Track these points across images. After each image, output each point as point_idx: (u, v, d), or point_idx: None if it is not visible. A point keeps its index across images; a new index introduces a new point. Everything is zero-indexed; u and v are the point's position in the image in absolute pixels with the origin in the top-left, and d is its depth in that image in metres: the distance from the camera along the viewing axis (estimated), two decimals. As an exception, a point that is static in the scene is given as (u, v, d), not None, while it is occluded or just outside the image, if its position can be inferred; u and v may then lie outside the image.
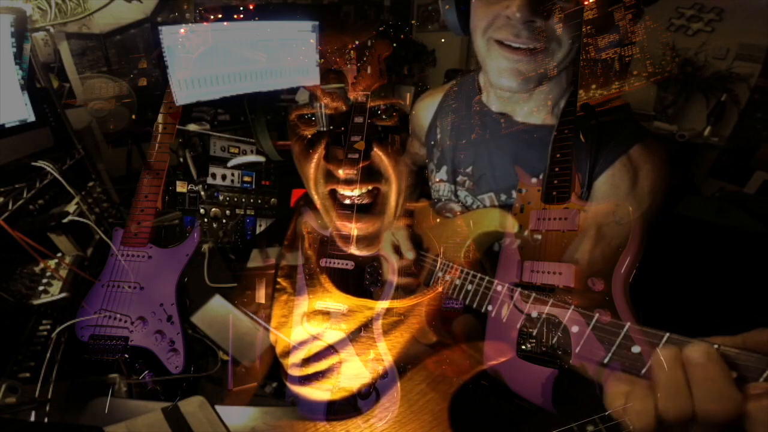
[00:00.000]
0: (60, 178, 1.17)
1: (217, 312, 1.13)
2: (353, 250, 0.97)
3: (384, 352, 0.83)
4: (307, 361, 0.88)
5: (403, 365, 0.81)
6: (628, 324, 0.51)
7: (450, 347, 0.84)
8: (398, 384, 0.78)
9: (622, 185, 0.71)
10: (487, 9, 0.71)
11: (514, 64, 0.71)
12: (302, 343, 0.91)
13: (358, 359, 0.85)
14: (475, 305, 0.76)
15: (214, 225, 1.57)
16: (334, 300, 0.93)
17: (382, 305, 0.88)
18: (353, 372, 0.85)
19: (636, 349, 0.49)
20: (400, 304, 0.87)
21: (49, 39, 1.64)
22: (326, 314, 0.92)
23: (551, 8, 0.65)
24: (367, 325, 0.87)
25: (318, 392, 0.84)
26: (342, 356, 0.86)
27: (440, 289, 0.83)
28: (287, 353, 0.92)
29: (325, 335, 0.90)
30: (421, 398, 0.74)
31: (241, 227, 1.64)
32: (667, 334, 0.46)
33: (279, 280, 1.03)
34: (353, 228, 0.96)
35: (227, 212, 1.60)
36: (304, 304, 0.95)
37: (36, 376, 0.97)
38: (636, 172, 0.71)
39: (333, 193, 1.02)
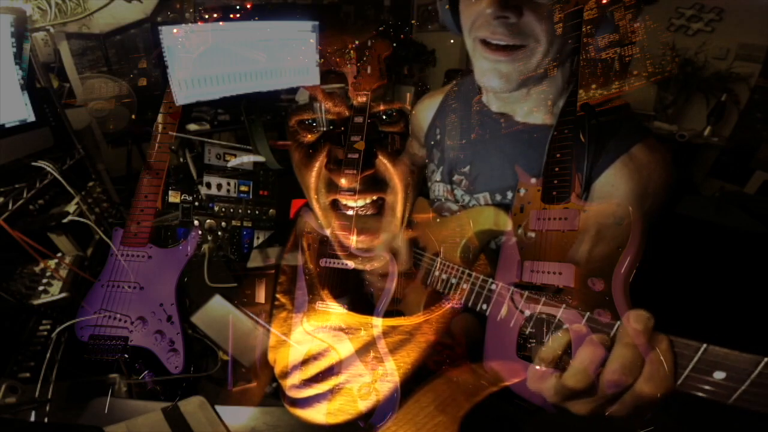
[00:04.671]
0: (60, 178, 1.17)
1: (217, 312, 1.13)
2: (357, 264, 0.95)
3: (391, 371, 0.81)
4: (306, 383, 0.87)
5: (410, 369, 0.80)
6: (618, 323, 0.51)
7: (451, 349, 0.84)
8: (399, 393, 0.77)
9: (623, 185, 0.71)
10: (470, 9, 0.72)
11: (495, 64, 0.72)
12: (302, 363, 0.90)
13: (362, 380, 0.84)
14: (470, 304, 0.76)
15: (209, 237, 1.48)
16: (336, 315, 0.92)
17: (386, 322, 0.86)
18: (356, 392, 0.83)
19: None
20: (407, 321, 0.85)
21: (49, 39, 1.64)
22: (327, 328, 0.91)
23: (521, 3, 0.66)
24: (371, 344, 0.86)
25: (318, 415, 0.83)
26: (345, 377, 0.85)
27: (448, 306, 0.82)
28: (286, 374, 0.90)
29: (328, 353, 0.88)
30: (429, 422, 0.72)
31: (237, 240, 1.56)
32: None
33: (278, 296, 1.01)
34: (354, 240, 0.94)
35: (223, 224, 1.52)
36: (304, 320, 0.93)
37: (36, 376, 0.97)
38: (638, 171, 0.71)
39: (335, 204, 0.99)
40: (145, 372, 1.10)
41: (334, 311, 0.93)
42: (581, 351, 0.49)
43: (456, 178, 0.93)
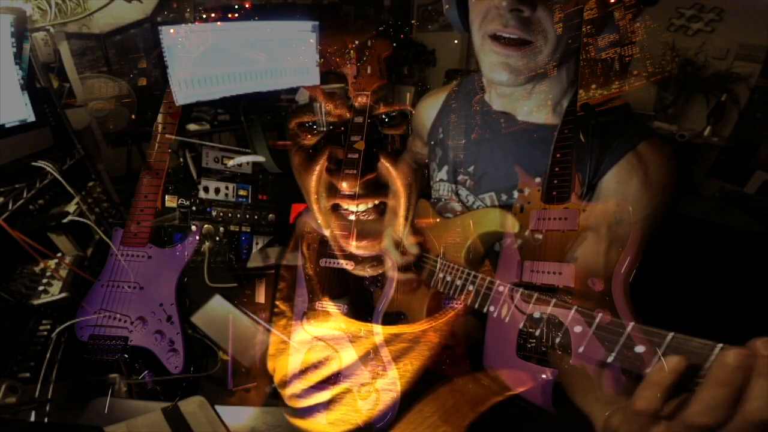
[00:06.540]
0: (60, 178, 1.17)
1: (217, 312, 1.13)
2: (357, 270, 0.95)
3: (393, 378, 0.81)
4: (307, 392, 0.86)
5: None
6: (632, 324, 0.51)
7: (452, 349, 0.84)
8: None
9: (632, 181, 0.71)
10: (481, 4, 0.74)
11: (504, 58, 0.73)
12: (302, 371, 0.89)
13: (364, 390, 0.83)
14: (476, 306, 0.76)
15: (207, 243, 1.44)
16: (336, 319, 0.91)
17: (389, 330, 0.86)
18: (356, 392, 0.83)
19: (639, 349, 0.49)
20: (410, 329, 0.85)
21: (49, 39, 1.64)
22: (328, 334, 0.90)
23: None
24: (374, 351, 0.85)
25: (319, 425, 0.82)
26: (346, 385, 0.84)
27: (452, 314, 0.82)
28: (285, 383, 0.89)
29: (328, 361, 0.88)
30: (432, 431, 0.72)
31: (236, 245, 1.53)
32: (672, 334, 0.46)
33: (277, 302, 1.01)
34: (353, 245, 0.93)
35: (221, 229, 1.49)
36: (304, 323, 0.92)
37: (36, 376, 0.97)
38: (645, 168, 0.71)
39: (336, 208, 0.98)
40: (145, 372, 1.10)
41: (334, 312, 0.93)
42: (708, 389, 0.41)
43: (461, 177, 0.93)
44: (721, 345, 0.42)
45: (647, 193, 0.71)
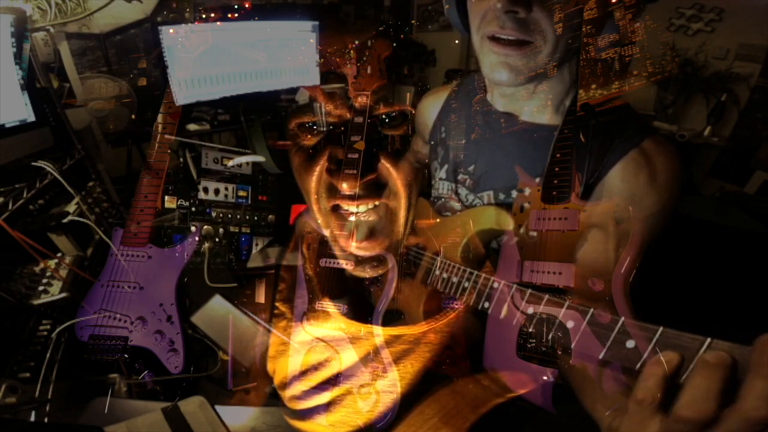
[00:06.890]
0: (60, 178, 1.17)
1: (217, 312, 1.13)
2: (358, 271, 0.94)
3: (393, 381, 0.80)
4: (307, 394, 0.86)
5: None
6: (623, 318, 0.51)
7: (451, 348, 0.84)
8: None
9: (639, 179, 0.71)
10: (480, 5, 0.74)
11: (504, 58, 0.73)
12: (302, 373, 0.89)
13: (365, 391, 0.83)
14: (475, 305, 0.76)
15: (206, 244, 1.44)
16: (336, 320, 0.91)
17: (389, 331, 0.86)
18: (356, 392, 0.83)
19: (630, 343, 0.49)
20: (410, 330, 0.85)
21: (49, 39, 1.64)
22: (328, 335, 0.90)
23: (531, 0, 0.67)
24: (374, 352, 0.85)
25: (320, 427, 0.81)
26: (347, 386, 0.84)
27: (453, 315, 0.81)
28: (285, 385, 0.89)
29: (328, 363, 0.87)
30: None
31: (235, 246, 1.52)
32: (661, 328, 0.47)
33: (277, 304, 1.00)
34: (353, 246, 0.93)
35: (220, 230, 1.49)
36: (304, 323, 0.92)
37: (36, 376, 0.97)
38: (652, 165, 0.71)
39: (336, 208, 0.97)
40: (145, 372, 1.10)
41: (334, 312, 0.93)
42: (696, 379, 0.42)
43: (461, 177, 0.93)
44: (709, 340, 0.42)
45: (654, 191, 0.71)
